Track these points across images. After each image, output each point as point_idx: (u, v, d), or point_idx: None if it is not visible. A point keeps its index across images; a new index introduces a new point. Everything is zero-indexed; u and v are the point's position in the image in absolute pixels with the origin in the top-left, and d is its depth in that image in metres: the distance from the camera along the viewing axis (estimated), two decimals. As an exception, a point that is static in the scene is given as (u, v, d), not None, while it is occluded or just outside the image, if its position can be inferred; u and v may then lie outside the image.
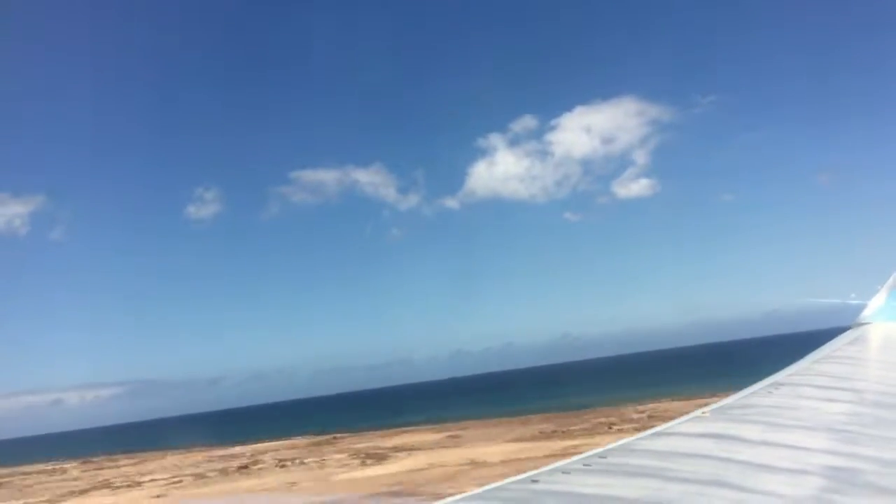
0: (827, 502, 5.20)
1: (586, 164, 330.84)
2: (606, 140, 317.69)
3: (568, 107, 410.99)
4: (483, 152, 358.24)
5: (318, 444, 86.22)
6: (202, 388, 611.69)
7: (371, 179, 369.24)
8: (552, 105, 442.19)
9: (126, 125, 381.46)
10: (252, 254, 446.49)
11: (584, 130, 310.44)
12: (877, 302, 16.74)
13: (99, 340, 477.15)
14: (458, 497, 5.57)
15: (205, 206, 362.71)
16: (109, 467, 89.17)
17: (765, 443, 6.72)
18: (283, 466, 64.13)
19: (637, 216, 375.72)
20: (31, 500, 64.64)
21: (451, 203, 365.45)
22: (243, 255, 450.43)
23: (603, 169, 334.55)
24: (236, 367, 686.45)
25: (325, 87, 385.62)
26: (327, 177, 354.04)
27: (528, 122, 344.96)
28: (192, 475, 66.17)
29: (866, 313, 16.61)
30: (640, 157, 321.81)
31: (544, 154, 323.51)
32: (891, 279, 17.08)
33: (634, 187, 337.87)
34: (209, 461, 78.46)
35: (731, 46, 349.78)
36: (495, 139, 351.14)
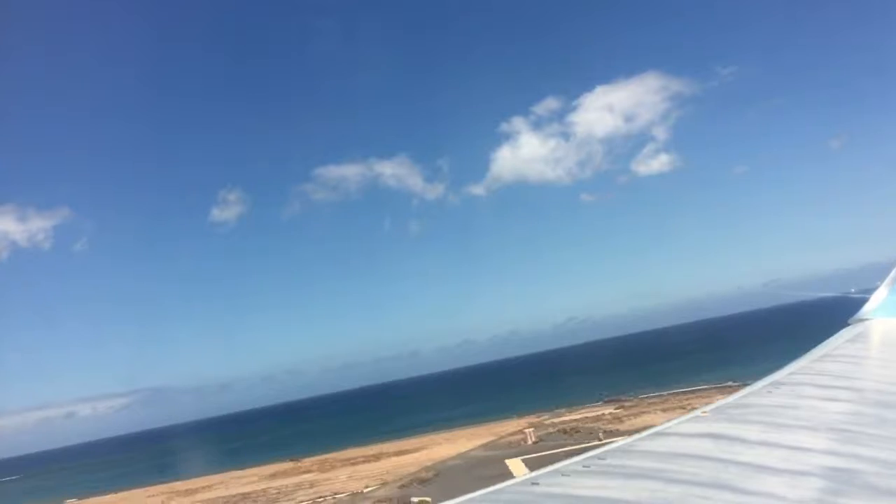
0: (827, 503, 5.19)
1: (609, 143, 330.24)
2: (629, 118, 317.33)
3: (590, 86, 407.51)
4: (507, 137, 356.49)
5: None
6: (213, 393, 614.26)
7: (394, 171, 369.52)
8: (575, 85, 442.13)
9: (147, 133, 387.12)
10: (270, 254, 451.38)
11: (606, 109, 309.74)
12: (878, 297, 16.64)
13: (111, 351, 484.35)
14: (458, 500, 5.58)
15: (228, 208, 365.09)
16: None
17: (764, 443, 6.71)
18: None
19: (656, 193, 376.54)
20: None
21: (477, 190, 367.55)
22: (260, 257, 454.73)
23: (623, 147, 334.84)
24: (246, 370, 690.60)
25: (344, 81, 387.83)
26: (350, 171, 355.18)
27: (551, 103, 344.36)
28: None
29: (867, 309, 16.50)
30: (661, 133, 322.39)
31: (567, 135, 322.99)
32: (892, 273, 16.98)
33: (654, 164, 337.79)
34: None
35: (750, 16, 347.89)
36: (518, 123, 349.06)
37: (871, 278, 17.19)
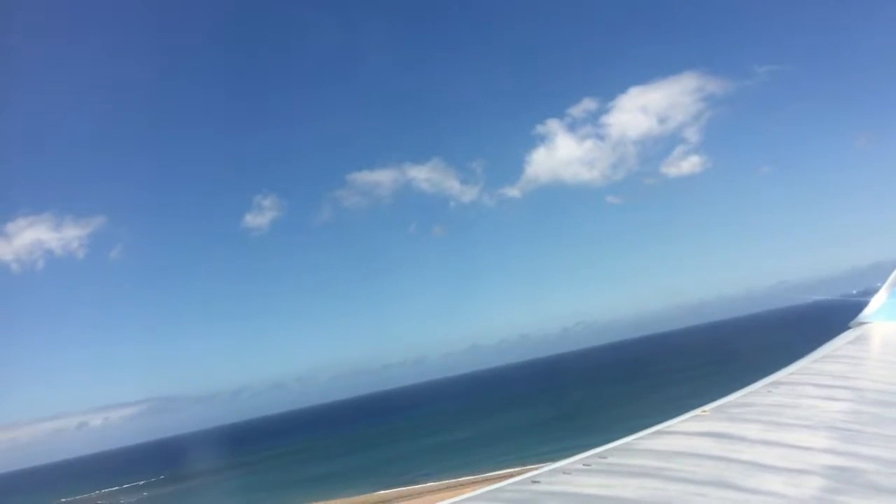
0: (827, 502, 5.20)
1: (640, 145, 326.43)
2: (662, 119, 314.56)
3: (625, 87, 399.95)
4: (542, 139, 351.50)
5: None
6: (224, 400, 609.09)
7: (428, 175, 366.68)
8: (612, 86, 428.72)
9: (182, 139, 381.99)
10: (297, 261, 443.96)
11: (641, 111, 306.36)
12: (877, 300, 16.66)
13: (125, 359, 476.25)
14: (458, 498, 5.59)
15: (262, 214, 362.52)
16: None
17: (765, 442, 6.72)
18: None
19: (681, 195, 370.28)
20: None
21: (512, 192, 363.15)
22: (287, 264, 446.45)
23: (654, 149, 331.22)
24: (257, 377, 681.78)
25: (379, 86, 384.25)
26: (384, 176, 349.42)
27: (587, 104, 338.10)
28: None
29: (866, 312, 16.51)
30: (692, 134, 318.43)
31: (602, 137, 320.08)
32: (891, 277, 17.01)
33: (684, 165, 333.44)
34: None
35: (791, 12, 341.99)
36: (553, 125, 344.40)
37: (877, 278, 17.14)
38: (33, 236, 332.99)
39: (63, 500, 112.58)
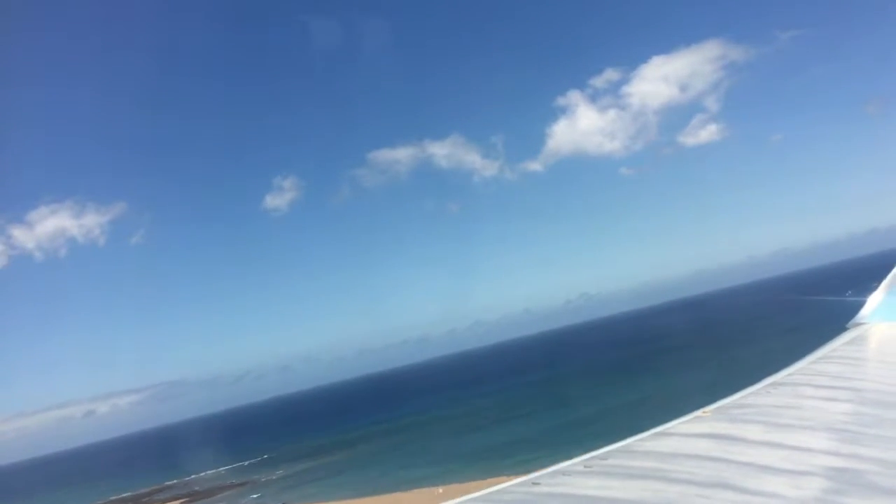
0: (828, 503, 5.20)
1: (659, 115, 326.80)
2: (683, 87, 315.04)
3: (647, 57, 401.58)
4: (563, 111, 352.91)
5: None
6: (228, 384, 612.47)
7: (447, 152, 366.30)
8: (634, 57, 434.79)
9: (203, 124, 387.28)
10: (312, 244, 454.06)
11: (663, 80, 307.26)
12: (875, 301, 16.68)
13: (128, 346, 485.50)
14: (459, 500, 5.58)
15: (282, 195, 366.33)
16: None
17: (765, 443, 6.72)
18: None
19: (696, 165, 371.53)
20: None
21: (534, 166, 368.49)
22: (304, 246, 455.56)
23: (671, 119, 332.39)
24: (259, 361, 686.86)
25: (397, 63, 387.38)
26: (403, 154, 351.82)
27: (610, 75, 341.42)
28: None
29: (864, 312, 16.53)
30: (711, 103, 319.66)
31: (622, 108, 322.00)
32: (888, 277, 17.04)
33: (702, 134, 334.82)
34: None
35: None
36: (575, 96, 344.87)
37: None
38: (56, 223, 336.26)
39: (167, 483, 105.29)
